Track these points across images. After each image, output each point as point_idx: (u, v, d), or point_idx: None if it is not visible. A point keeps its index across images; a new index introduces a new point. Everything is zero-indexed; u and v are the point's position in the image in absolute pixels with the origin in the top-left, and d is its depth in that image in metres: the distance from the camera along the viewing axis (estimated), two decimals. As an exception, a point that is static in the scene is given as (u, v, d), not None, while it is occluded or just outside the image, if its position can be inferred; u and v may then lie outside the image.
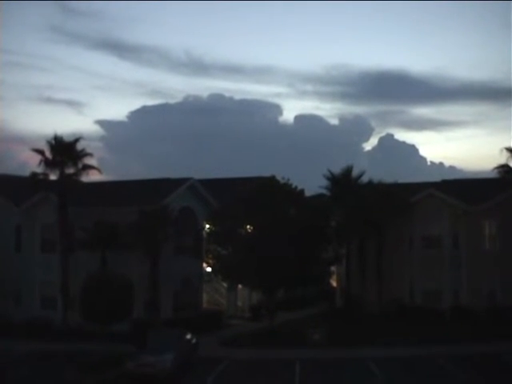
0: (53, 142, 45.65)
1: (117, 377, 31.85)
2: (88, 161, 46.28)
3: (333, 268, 50.69)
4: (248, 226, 44.66)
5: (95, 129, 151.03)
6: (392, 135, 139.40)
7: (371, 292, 51.05)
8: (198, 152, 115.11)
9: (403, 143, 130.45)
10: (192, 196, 50.42)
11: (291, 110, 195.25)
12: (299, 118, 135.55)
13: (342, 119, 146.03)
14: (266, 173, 52.48)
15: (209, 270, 47.36)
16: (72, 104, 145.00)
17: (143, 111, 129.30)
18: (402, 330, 43.09)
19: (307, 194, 49.05)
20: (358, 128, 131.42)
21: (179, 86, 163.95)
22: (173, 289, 47.47)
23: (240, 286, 52.18)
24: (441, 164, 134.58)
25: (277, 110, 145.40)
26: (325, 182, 55.10)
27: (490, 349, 37.42)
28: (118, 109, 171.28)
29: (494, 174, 47.98)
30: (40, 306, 48.89)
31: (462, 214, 50.35)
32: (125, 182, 53.25)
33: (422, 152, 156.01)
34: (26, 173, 47.48)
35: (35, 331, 43.41)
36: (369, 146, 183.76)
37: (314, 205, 47.10)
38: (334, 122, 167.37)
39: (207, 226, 48.07)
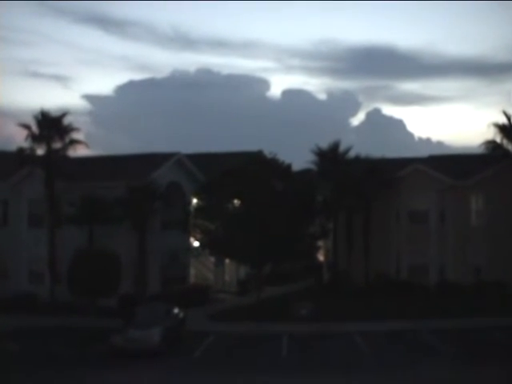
0: (39, 116, 45.45)
1: (104, 351, 31.91)
2: (75, 135, 46.20)
3: (320, 243, 50.81)
4: (235, 201, 44.71)
5: (82, 103, 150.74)
6: (379, 110, 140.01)
7: (358, 266, 51.24)
8: (185, 127, 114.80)
9: (391, 118, 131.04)
10: (179, 171, 50.35)
11: (279, 84, 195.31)
12: (287, 93, 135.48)
13: (329, 94, 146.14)
14: (253, 147, 52.64)
15: (196, 244, 47.44)
16: (58, 78, 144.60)
17: (130, 86, 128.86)
18: (389, 305, 43.28)
19: (294, 168, 49.01)
20: (345, 103, 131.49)
21: (166, 61, 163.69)
22: (160, 263, 47.56)
23: (227, 260, 52.33)
24: (428, 139, 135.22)
25: (264, 84, 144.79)
26: (312, 157, 55.15)
27: (475, 324, 37.67)
28: (105, 83, 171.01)
29: (482, 150, 48.18)
30: (27, 280, 48.76)
31: (448, 189, 50.60)
32: (112, 157, 53.03)
33: (410, 127, 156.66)
34: (13, 147, 47.44)
35: (22, 306, 43.40)
36: (356, 120, 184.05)
37: (301, 179, 47.16)
38: (322, 96, 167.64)
39: (194, 200, 48.08)
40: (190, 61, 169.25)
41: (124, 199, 44.17)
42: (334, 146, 54.85)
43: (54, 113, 45.86)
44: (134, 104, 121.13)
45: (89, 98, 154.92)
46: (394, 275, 51.29)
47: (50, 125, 45.39)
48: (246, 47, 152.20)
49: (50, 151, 45.55)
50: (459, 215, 50.69)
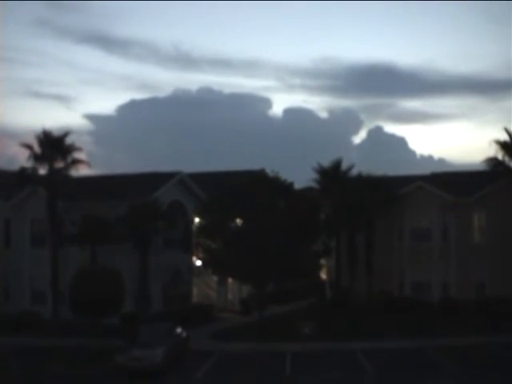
0: (41, 136, 45.54)
1: (107, 371, 31.78)
2: (77, 155, 46.23)
3: (322, 261, 50.73)
4: (237, 220, 44.64)
5: (84, 123, 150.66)
6: (381, 128, 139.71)
7: (361, 284, 51.18)
8: (187, 146, 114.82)
9: (392, 136, 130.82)
10: (181, 190, 50.38)
11: (280, 103, 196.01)
12: (288, 112, 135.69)
13: (330, 112, 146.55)
14: (255, 166, 52.61)
15: (199, 263, 47.33)
16: (60, 98, 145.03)
17: (132, 105, 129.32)
18: (392, 323, 43.17)
19: (296, 187, 49.05)
20: (347, 121, 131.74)
21: (168, 80, 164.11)
22: (163, 282, 47.49)
23: (230, 279, 52.19)
24: (430, 156, 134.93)
25: (266, 103, 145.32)
26: (314, 175, 55.27)
27: (479, 341, 37.49)
28: (107, 103, 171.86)
29: (483, 167, 48.22)
30: (30, 300, 48.75)
31: (451, 206, 50.55)
32: (114, 176, 53.09)
33: (412, 145, 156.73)
34: (15, 167, 47.48)
35: (25, 325, 43.23)
36: (358, 139, 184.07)
37: (303, 198, 47.12)
38: (323, 115, 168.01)
39: (197, 219, 48.04)
40: (192, 80, 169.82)
41: (126, 218, 44.13)
42: (336, 164, 54.99)
43: (56, 132, 46.01)
44: (136, 123, 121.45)
45: (91, 117, 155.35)
46: (397, 292, 51.18)
47: (52, 145, 45.47)
48: (248, 66, 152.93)
49: (52, 171, 45.61)
50: (462, 232, 50.64)
